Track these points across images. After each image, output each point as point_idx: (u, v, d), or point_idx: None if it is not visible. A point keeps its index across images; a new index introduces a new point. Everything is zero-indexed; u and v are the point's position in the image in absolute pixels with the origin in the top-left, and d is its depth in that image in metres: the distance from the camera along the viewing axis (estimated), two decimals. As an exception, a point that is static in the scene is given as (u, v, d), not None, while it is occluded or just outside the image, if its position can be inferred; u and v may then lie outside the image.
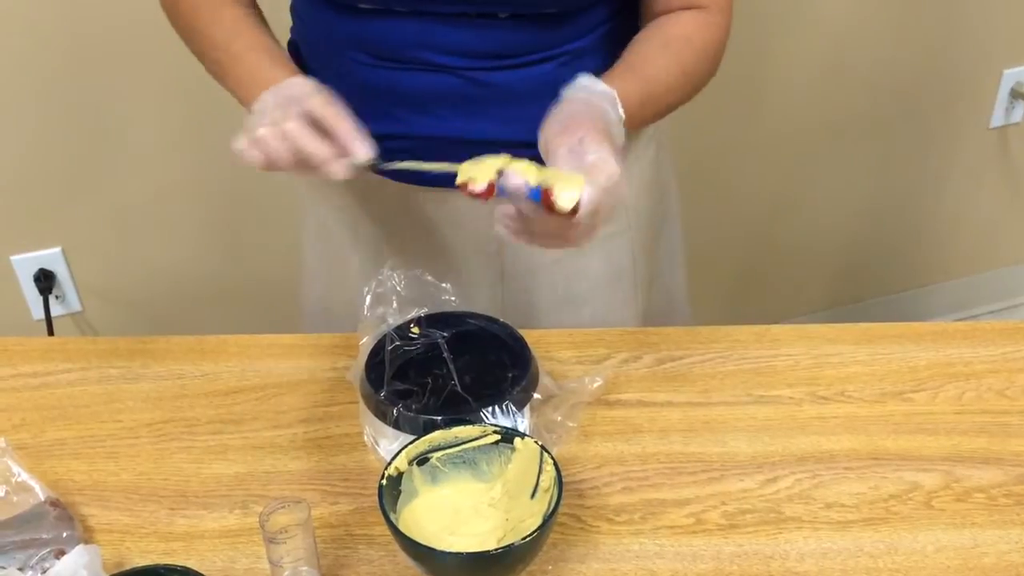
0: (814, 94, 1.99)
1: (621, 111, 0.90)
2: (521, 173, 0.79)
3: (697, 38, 0.99)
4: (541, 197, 0.77)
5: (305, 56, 1.09)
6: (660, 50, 0.98)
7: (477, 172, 0.80)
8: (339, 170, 0.84)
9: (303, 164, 0.84)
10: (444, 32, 0.96)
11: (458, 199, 1.08)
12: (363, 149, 0.84)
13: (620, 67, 0.97)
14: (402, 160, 0.88)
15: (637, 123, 0.96)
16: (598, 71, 1.03)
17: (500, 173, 0.79)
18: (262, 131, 0.83)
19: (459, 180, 0.80)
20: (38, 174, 1.71)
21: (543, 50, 0.99)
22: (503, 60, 0.98)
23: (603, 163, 0.80)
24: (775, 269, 2.21)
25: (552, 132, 0.86)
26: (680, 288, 1.31)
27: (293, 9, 1.09)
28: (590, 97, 0.90)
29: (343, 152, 0.85)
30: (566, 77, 1.01)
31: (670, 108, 1.01)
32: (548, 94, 1.01)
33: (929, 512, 0.89)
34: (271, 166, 0.85)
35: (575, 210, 0.76)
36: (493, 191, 0.79)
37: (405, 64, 0.99)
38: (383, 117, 1.03)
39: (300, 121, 0.83)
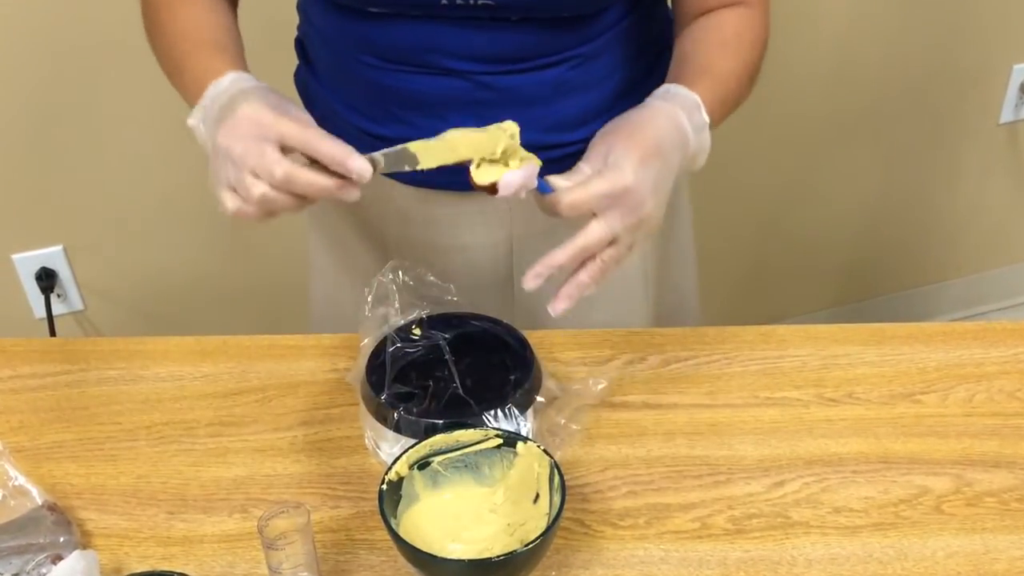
0: (822, 90, 1.97)
1: (705, 115, 0.89)
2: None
3: (747, 35, 0.98)
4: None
5: (311, 55, 1.08)
6: (720, 50, 0.97)
7: (486, 174, 0.82)
8: (352, 194, 0.78)
9: (306, 201, 0.79)
10: (454, 36, 0.95)
11: (469, 201, 1.08)
12: (360, 165, 0.76)
13: (690, 69, 0.94)
14: (391, 148, 0.81)
15: (716, 124, 0.94)
16: (609, 73, 1.02)
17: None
18: (259, 191, 0.75)
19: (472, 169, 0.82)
20: (40, 172, 1.70)
21: (554, 53, 0.98)
22: (513, 64, 0.97)
23: (612, 169, 0.82)
24: (782, 265, 2.20)
25: (603, 129, 0.88)
26: (691, 287, 1.30)
27: (299, 8, 1.07)
28: (665, 106, 0.88)
29: (341, 175, 0.77)
30: (576, 80, 1.00)
31: (737, 105, 0.98)
32: (557, 97, 1.00)
33: (939, 517, 0.88)
34: (270, 216, 0.79)
35: (494, 188, 0.81)
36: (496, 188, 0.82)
37: (414, 67, 0.98)
38: (390, 119, 1.01)
39: (286, 162, 0.75)
